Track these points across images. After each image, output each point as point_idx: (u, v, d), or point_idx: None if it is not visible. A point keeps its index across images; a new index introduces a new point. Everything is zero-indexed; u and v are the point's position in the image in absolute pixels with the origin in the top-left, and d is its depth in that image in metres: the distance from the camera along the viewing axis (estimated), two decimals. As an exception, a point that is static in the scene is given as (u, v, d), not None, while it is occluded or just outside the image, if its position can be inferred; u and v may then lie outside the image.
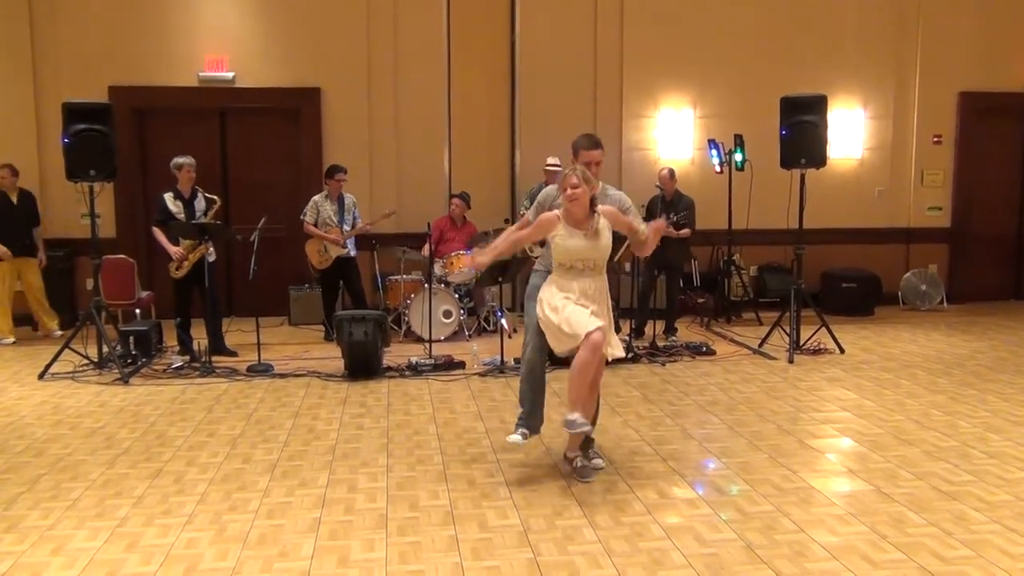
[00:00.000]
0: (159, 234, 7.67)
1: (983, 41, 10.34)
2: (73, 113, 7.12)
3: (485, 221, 9.26)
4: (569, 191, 4.49)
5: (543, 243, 4.85)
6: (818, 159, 7.66)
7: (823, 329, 7.82)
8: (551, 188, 4.89)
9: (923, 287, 10.36)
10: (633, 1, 9.92)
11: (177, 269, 7.63)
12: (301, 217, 8.52)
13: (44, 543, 3.84)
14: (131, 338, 7.46)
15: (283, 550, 3.74)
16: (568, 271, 4.58)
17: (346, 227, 8.48)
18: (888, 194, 10.54)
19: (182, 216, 7.63)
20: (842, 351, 7.75)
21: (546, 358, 4.84)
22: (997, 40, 10.36)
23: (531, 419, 4.81)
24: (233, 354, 7.79)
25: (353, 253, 8.62)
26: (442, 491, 4.44)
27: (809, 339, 7.81)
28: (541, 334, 4.68)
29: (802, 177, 7.75)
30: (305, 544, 3.79)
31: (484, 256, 4.83)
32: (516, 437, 4.74)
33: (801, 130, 7.63)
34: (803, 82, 9.24)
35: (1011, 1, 10.32)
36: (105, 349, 7.24)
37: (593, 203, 4.55)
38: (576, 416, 4.44)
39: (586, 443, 4.74)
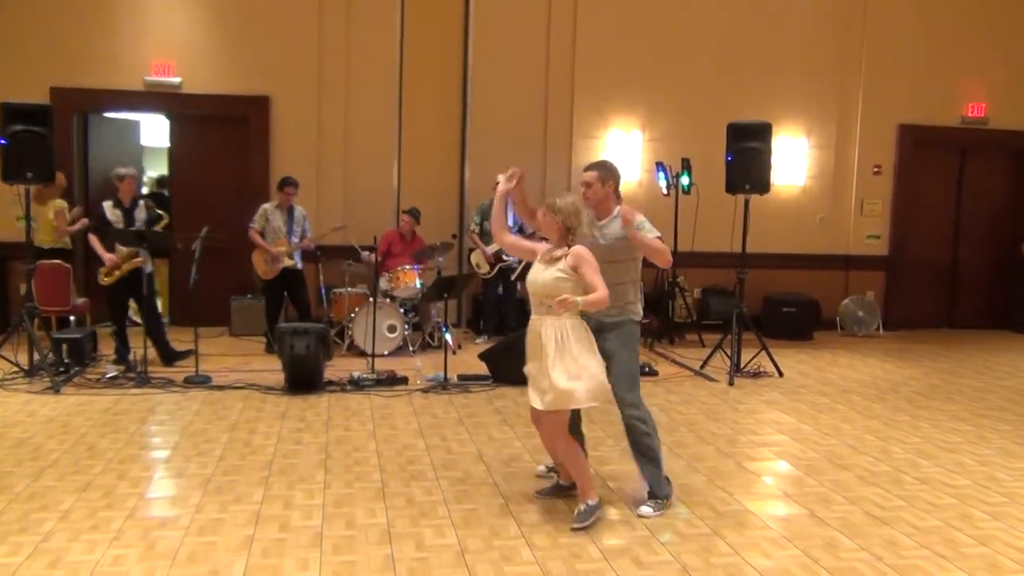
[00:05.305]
0: (95, 241, 7.49)
1: (922, 77, 10.65)
2: (11, 113, 6.91)
3: (434, 235, 9.23)
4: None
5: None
6: (762, 185, 7.80)
7: (763, 352, 7.95)
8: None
9: (860, 313, 10.58)
10: (585, 22, 10.01)
11: (106, 276, 7.45)
12: (250, 225, 8.40)
13: (-38, 558, 3.70)
14: (64, 346, 7.25)
15: (213, 568, 3.65)
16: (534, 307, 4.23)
17: (294, 239, 8.39)
18: (829, 221, 10.76)
19: (121, 225, 7.44)
20: (781, 375, 7.87)
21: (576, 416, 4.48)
22: (935, 76, 10.68)
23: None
24: (185, 355, 7.62)
25: (300, 265, 8.53)
26: (379, 509, 4.38)
27: (749, 362, 7.92)
28: None
29: (746, 202, 7.88)
30: (236, 562, 3.71)
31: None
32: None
33: (746, 156, 7.76)
34: (749, 109, 9.43)
35: (948, 40, 10.66)
36: (36, 356, 7.03)
37: (568, 236, 4.14)
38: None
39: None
